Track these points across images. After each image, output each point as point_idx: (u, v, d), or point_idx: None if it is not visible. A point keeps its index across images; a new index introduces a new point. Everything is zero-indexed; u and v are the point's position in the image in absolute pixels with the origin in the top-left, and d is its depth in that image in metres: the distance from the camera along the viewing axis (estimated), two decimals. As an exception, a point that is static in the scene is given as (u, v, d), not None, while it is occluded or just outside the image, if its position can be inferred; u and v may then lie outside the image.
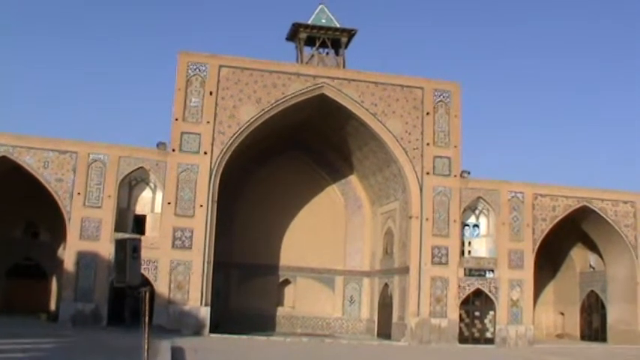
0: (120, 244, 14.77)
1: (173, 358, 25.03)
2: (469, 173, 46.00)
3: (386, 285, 48.39)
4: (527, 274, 45.81)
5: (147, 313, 14.43)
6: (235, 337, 41.13)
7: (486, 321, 45.62)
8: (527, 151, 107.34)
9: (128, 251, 14.39)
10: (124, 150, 42.57)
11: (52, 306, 48.05)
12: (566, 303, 54.98)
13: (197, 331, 40.54)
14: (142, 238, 33.21)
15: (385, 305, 48.18)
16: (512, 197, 46.16)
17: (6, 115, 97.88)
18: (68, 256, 41.40)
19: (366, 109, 44.95)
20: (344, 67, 48.18)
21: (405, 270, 44.97)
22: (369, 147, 47.68)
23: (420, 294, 43.76)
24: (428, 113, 45.61)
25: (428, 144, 45.31)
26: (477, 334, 45.50)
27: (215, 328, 42.00)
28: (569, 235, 51.41)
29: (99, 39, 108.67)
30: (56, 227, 46.19)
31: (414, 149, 45.16)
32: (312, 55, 49.18)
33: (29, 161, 41.45)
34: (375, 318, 49.92)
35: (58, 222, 43.18)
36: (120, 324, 40.21)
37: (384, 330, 47.57)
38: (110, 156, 42.03)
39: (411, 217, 44.83)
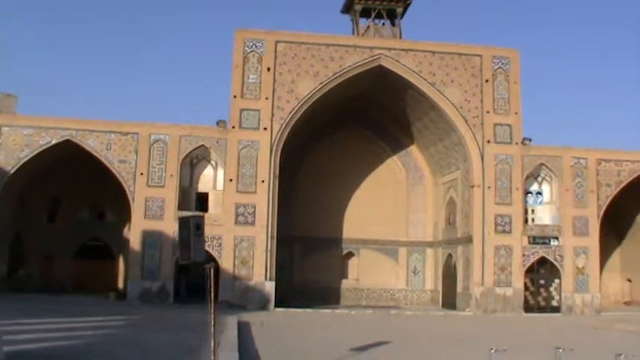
0: (183, 222, 14.87)
1: (239, 332, 25.29)
2: (530, 140, 45.40)
3: (449, 255, 48.21)
4: (593, 240, 45.20)
5: (212, 289, 14.55)
6: (300, 310, 41.41)
7: (552, 289, 45.18)
8: (589, 117, 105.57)
9: (192, 228, 14.48)
10: (185, 129, 42.99)
11: (120, 284, 48.82)
12: (633, 269, 54.09)
13: (262, 306, 40.93)
14: (205, 215, 33.66)
15: (449, 275, 48.03)
16: (575, 163, 45.48)
17: (69, 100, 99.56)
18: (133, 235, 42.11)
19: (425, 79, 44.64)
20: (400, 37, 47.89)
21: (468, 239, 44.76)
22: (429, 117, 47.37)
23: (484, 263, 43.54)
24: (487, 81, 45.11)
25: (488, 112, 44.84)
26: (542, 303, 45.10)
27: (280, 302, 42.30)
28: (635, 200, 50.51)
29: (157, 19, 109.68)
30: (121, 208, 46.91)
31: (473, 117, 44.75)
32: (368, 27, 48.95)
33: (92, 144, 42.23)
34: (440, 288, 49.84)
35: (123, 202, 43.90)
36: (188, 301, 40.82)
37: (449, 300, 47.47)
38: (171, 136, 42.53)
39: (473, 187, 44.54)
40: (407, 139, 52.67)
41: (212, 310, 14.60)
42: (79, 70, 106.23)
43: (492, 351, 15.54)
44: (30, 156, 42.36)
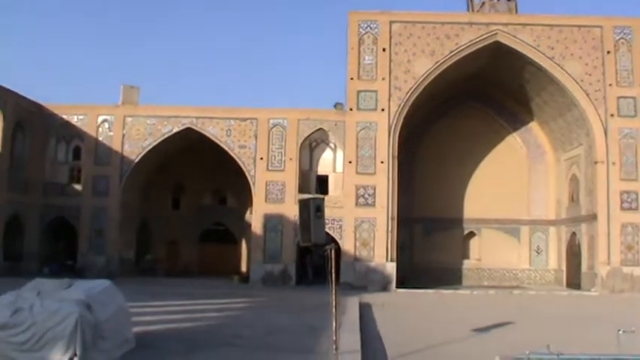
0: (303, 204, 14.99)
1: (361, 313, 25.40)
2: (657, 112, 43.83)
3: (573, 233, 47.10)
4: None
5: (333, 270, 14.64)
6: (422, 291, 41.24)
7: (684, 268, 43.60)
8: None
9: (312, 211, 14.57)
10: (303, 113, 43.41)
11: (243, 268, 49.73)
12: None
13: (384, 287, 41.00)
14: (326, 197, 33.93)
15: (573, 254, 46.95)
16: None
17: (189, 89, 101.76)
18: (255, 219, 42.85)
19: (543, 53, 43.64)
20: (516, 12, 46.90)
21: (592, 217, 43.62)
22: (548, 92, 46.33)
23: (610, 242, 42.34)
24: (608, 52, 43.73)
25: (610, 85, 43.49)
26: (674, 283, 43.59)
27: (401, 283, 42.28)
28: None
29: (269, 4, 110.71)
30: (242, 192, 47.75)
31: (595, 91, 43.49)
32: (483, 3, 48.12)
33: (212, 131, 43.24)
34: (564, 268, 48.76)
35: (244, 187, 44.76)
36: (314, 283, 41.27)
37: (574, 280, 46.40)
38: (289, 120, 43.04)
39: (596, 162, 43.31)
40: (526, 115, 51.65)
41: (333, 291, 14.71)
42: (194, 58, 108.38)
43: (620, 332, 15.07)
44: (153, 145, 43.78)
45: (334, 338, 14.96)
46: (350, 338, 17.38)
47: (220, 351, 16.68)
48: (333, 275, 14.61)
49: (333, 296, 14.73)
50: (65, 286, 15.01)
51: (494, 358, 12.73)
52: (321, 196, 35.50)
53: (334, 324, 14.93)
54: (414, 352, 17.32)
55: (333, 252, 14.86)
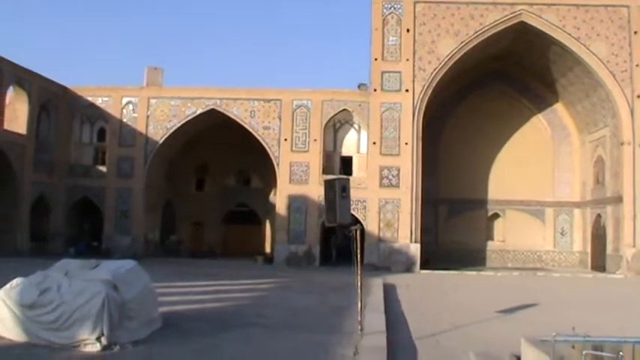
0: (329, 185, 15.05)
1: (385, 294, 25.43)
2: (685, 93, 43.34)
3: (598, 215, 46.81)
4: None
5: (358, 251, 14.66)
6: (446, 272, 41.18)
7: None
8: None
9: (337, 191, 14.62)
10: (327, 94, 43.37)
11: (267, 248, 49.86)
12: None
13: (407, 268, 41.00)
14: (350, 178, 33.94)
15: (598, 236, 46.67)
16: None
17: (213, 70, 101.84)
18: (279, 200, 42.97)
19: (569, 34, 43.22)
20: (542, -9, 46.50)
21: (618, 199, 43.30)
22: (574, 73, 45.94)
23: (636, 224, 41.97)
24: (636, 32, 43.22)
25: (637, 65, 42.98)
26: (700, 264, 43.27)
27: (425, 264, 42.24)
28: None
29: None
30: (266, 173, 47.89)
31: (622, 72, 43.05)
32: (509, -17, 47.74)
33: (236, 112, 43.34)
34: (588, 250, 48.50)
35: (268, 168, 44.85)
36: (338, 264, 41.34)
37: (598, 262, 46.16)
38: (313, 101, 43.04)
39: (622, 144, 42.93)
40: (551, 96, 51.28)
41: (358, 272, 14.74)
42: (217, 39, 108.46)
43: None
44: (177, 126, 43.98)
45: (359, 319, 15.02)
46: (375, 319, 17.40)
47: (245, 331, 16.76)
48: (359, 256, 14.63)
49: (359, 277, 14.76)
50: (92, 266, 15.18)
51: (519, 339, 12.73)
52: (346, 176, 35.50)
53: (359, 304, 14.97)
54: (439, 332, 17.34)
55: (358, 232, 14.89)
